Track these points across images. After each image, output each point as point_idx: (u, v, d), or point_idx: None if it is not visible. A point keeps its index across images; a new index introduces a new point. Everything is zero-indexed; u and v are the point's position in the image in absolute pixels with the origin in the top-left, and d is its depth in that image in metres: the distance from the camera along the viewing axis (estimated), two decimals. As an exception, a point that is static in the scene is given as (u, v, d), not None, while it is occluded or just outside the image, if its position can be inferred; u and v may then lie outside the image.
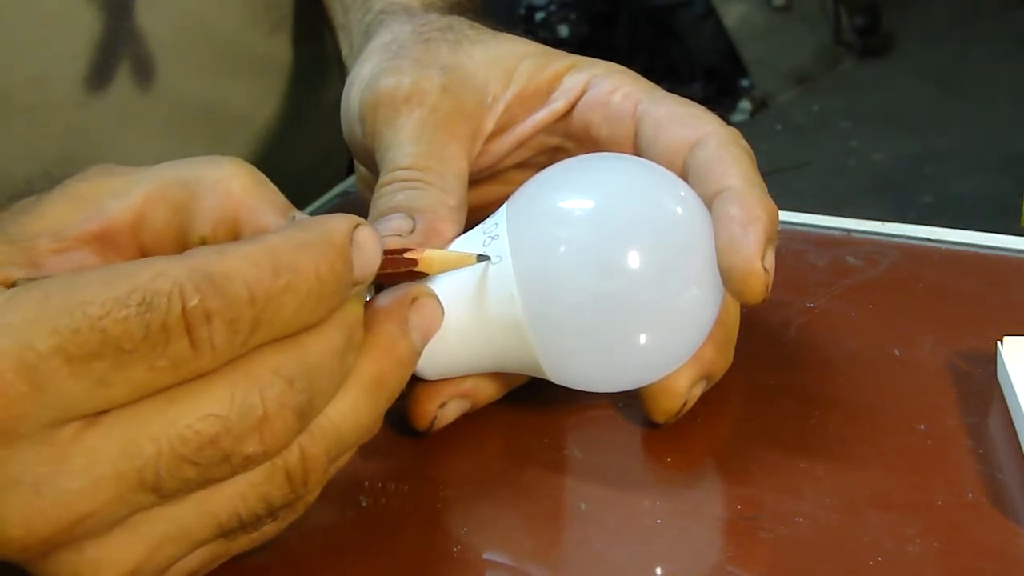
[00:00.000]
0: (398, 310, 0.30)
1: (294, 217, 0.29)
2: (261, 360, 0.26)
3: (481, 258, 0.32)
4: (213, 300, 0.25)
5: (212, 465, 0.25)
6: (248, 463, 0.26)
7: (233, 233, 0.29)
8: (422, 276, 0.31)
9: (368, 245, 0.28)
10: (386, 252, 0.29)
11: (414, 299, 0.31)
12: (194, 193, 0.29)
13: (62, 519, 0.24)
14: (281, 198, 0.30)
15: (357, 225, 0.28)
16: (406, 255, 0.31)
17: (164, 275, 0.24)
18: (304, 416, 0.27)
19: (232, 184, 0.29)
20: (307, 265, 0.26)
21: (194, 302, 0.24)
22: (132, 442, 0.25)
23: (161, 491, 0.25)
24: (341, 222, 0.27)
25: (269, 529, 0.29)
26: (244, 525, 0.28)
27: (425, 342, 0.31)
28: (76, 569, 0.26)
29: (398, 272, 0.31)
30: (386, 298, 0.30)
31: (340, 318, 0.28)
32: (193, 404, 0.25)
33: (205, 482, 0.26)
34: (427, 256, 0.31)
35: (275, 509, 0.28)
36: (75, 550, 0.25)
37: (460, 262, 0.32)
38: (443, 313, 0.32)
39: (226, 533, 0.27)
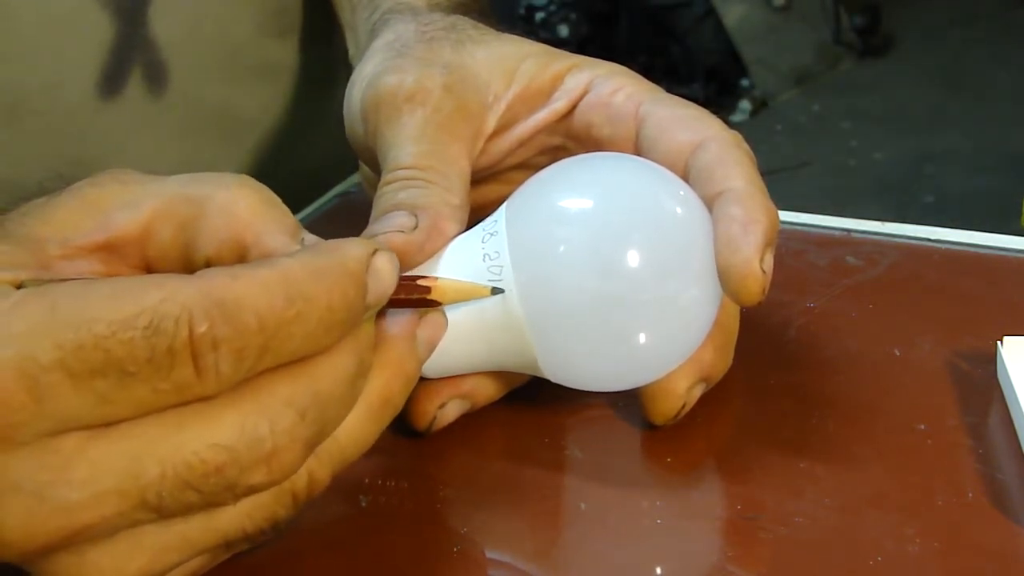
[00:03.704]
0: (408, 327, 0.30)
1: (303, 240, 0.29)
2: (272, 389, 0.26)
3: (495, 291, 0.32)
4: (222, 328, 0.24)
5: (215, 493, 0.25)
6: (253, 491, 0.26)
7: (238, 254, 0.29)
8: (433, 304, 0.31)
9: (385, 272, 0.28)
10: (400, 278, 0.29)
11: (423, 314, 0.31)
12: (201, 212, 0.29)
13: (62, 527, 0.24)
14: (290, 219, 0.30)
15: (375, 251, 0.28)
16: (419, 282, 0.31)
17: (172, 299, 0.24)
18: (313, 447, 0.27)
19: (239, 205, 0.29)
20: (320, 294, 0.26)
21: (202, 329, 0.24)
22: (137, 461, 0.25)
23: (162, 511, 0.25)
24: (358, 248, 0.27)
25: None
26: (248, 539, 0.28)
27: (430, 353, 0.31)
28: (77, 572, 0.26)
29: (410, 299, 0.31)
30: (395, 314, 0.30)
31: (352, 343, 0.27)
32: (201, 431, 0.25)
33: (208, 506, 0.26)
34: (440, 284, 0.31)
35: (279, 525, 0.28)
36: (77, 554, 0.25)
37: (473, 293, 0.32)
38: (447, 323, 0.32)
39: (229, 545, 0.28)
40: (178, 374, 0.24)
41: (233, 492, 0.26)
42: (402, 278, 0.29)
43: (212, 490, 0.25)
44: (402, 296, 0.30)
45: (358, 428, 0.29)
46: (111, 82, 0.50)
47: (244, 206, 0.29)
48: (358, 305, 0.27)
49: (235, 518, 0.27)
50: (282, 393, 0.26)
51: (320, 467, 0.28)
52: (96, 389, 0.24)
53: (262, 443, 0.25)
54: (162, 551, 0.26)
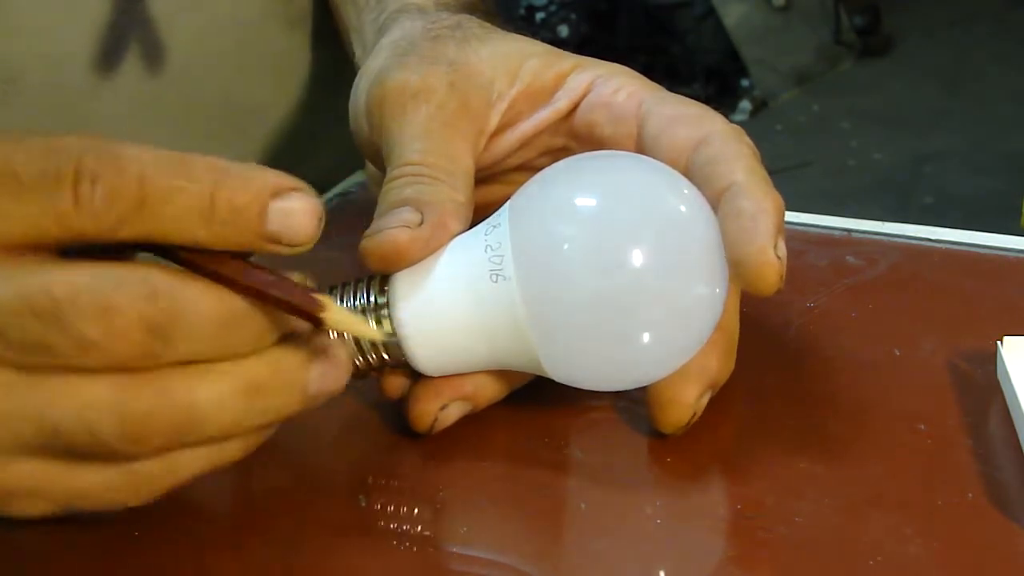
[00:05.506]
0: (307, 354, 0.30)
1: None
2: (135, 265, 0.28)
3: (385, 333, 0.32)
4: (106, 168, 0.27)
5: (48, 330, 0.26)
6: (84, 350, 0.27)
7: None
8: (316, 321, 0.29)
9: (299, 213, 0.29)
10: (296, 284, 0.29)
11: (323, 349, 0.30)
12: None
13: None
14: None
15: (294, 190, 0.30)
16: (315, 295, 0.29)
17: (68, 145, 0.27)
18: (155, 336, 0.27)
19: None
20: (202, 176, 0.28)
21: (89, 164, 0.27)
22: None
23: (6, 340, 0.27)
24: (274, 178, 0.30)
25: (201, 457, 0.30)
26: (67, 446, 0.28)
27: (321, 398, 0.30)
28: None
29: (298, 307, 0.29)
30: (299, 341, 0.30)
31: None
32: (56, 269, 0.27)
33: (44, 353, 0.27)
34: (330, 314, 0.29)
35: (100, 443, 0.28)
36: None
37: (359, 326, 0.31)
38: (347, 382, 0.31)
39: (47, 447, 0.28)
40: (59, 199, 0.27)
41: (67, 335, 0.27)
42: (299, 287, 0.29)
43: (46, 325, 0.26)
44: (294, 301, 0.29)
45: (226, 395, 0.28)
46: (108, 58, 0.50)
47: None
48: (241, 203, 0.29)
49: (57, 404, 0.27)
50: (142, 271, 0.28)
51: (165, 405, 0.28)
52: None
53: (103, 295, 0.27)
54: None
